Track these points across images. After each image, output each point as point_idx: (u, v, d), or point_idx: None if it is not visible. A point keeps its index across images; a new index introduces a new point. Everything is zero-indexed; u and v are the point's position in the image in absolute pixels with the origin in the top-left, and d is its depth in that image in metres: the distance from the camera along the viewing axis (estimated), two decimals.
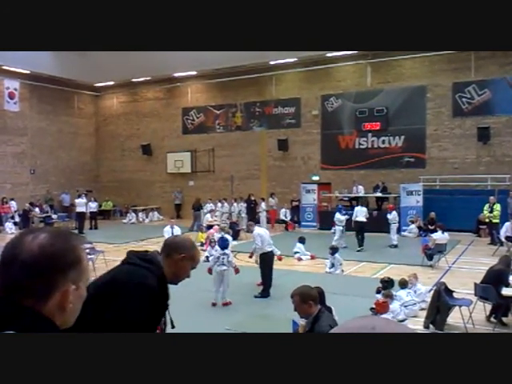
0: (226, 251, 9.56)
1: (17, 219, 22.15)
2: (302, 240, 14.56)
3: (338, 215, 15.78)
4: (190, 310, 8.56)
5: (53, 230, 1.22)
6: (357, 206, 16.94)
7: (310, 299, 4.38)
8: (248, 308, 9.12)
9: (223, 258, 9.44)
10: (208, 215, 19.30)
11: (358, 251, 14.95)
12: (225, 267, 9.38)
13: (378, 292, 8.59)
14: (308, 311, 4.40)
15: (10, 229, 20.81)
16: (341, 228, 15.56)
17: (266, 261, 10.08)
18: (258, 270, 10.90)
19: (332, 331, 0.96)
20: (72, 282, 1.17)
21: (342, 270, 12.23)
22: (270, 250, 10.14)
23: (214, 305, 9.25)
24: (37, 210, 23.13)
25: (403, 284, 8.66)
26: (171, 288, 2.80)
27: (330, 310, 5.44)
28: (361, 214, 15.58)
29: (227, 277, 9.40)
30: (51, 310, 1.13)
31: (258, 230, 10.39)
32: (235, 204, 21.88)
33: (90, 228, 21.84)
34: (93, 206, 22.50)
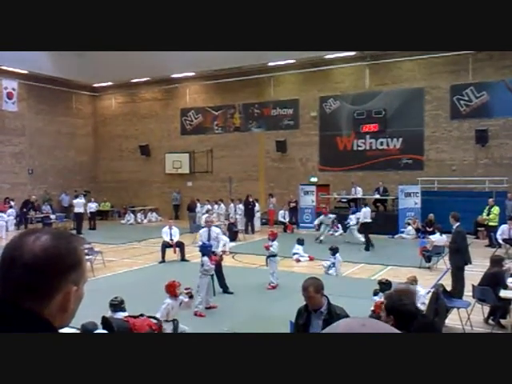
0: (202, 258, 9.23)
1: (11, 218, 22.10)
2: (300, 241, 14.57)
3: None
4: (188, 311, 8.54)
5: (54, 232, 1.21)
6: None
7: (321, 289, 4.43)
8: (246, 309, 9.11)
9: (202, 265, 9.18)
10: (206, 215, 19.28)
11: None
12: (199, 273, 9.10)
13: (376, 294, 8.54)
14: (321, 302, 4.40)
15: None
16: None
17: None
18: (255, 271, 10.89)
19: (324, 331, 0.96)
20: (73, 284, 1.17)
21: (337, 274, 12.15)
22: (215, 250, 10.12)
23: (195, 314, 8.67)
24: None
25: None
26: None
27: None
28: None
29: (202, 284, 8.96)
30: (53, 312, 1.13)
31: (200, 230, 10.58)
32: (232, 205, 21.96)
33: (89, 228, 21.80)
34: (92, 207, 22.47)
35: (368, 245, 15.74)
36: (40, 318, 1.11)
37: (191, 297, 7.24)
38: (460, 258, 9.50)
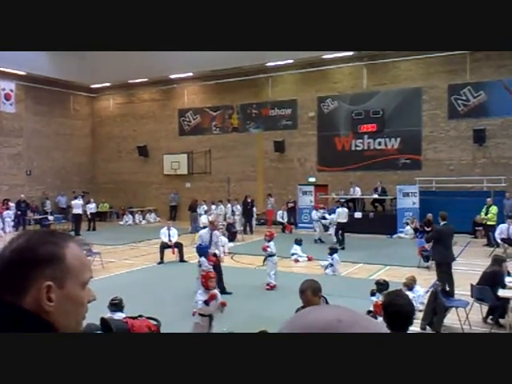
0: (200, 258, 9.14)
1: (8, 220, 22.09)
2: (298, 242, 14.59)
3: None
4: (189, 311, 8.53)
5: (40, 230, 1.21)
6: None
7: (319, 291, 4.42)
8: (245, 310, 9.09)
9: (199, 266, 9.09)
10: (204, 216, 19.31)
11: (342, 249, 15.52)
12: (197, 275, 8.93)
13: (373, 294, 8.54)
14: (319, 304, 4.40)
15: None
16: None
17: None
18: (254, 272, 10.85)
19: (287, 326, 0.89)
20: (51, 280, 1.11)
21: (334, 273, 12.15)
22: (214, 251, 10.12)
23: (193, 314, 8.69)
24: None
25: (408, 286, 8.60)
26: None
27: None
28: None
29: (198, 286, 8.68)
30: (32, 307, 1.09)
31: (201, 231, 10.63)
32: (229, 205, 21.99)
33: (89, 229, 21.77)
34: (91, 207, 22.43)
35: (342, 244, 16.04)
36: (20, 308, 1.08)
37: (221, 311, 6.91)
38: (439, 255, 9.62)
